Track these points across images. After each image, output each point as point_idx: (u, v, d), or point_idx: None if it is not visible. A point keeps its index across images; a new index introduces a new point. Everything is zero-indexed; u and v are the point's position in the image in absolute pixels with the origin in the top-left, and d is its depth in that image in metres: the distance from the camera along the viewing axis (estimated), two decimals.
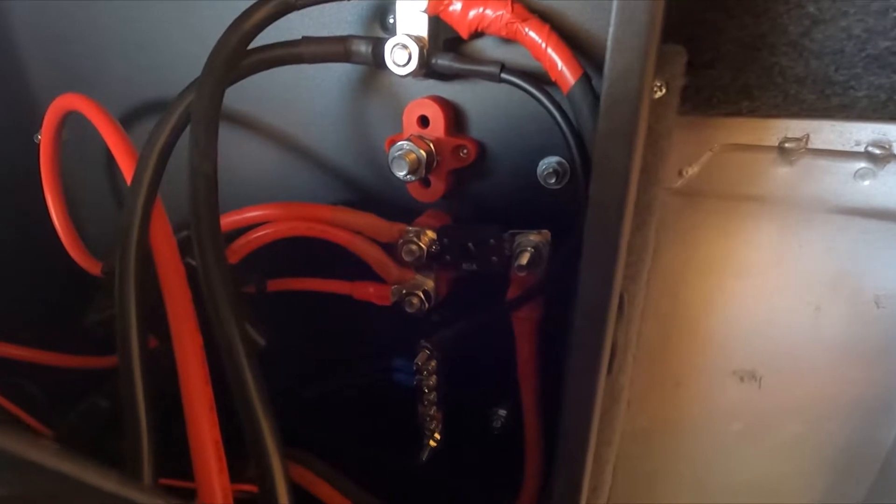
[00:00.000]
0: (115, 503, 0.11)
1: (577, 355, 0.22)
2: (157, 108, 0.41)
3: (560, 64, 0.25)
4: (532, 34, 0.25)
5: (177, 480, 0.27)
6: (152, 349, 0.28)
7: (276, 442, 0.22)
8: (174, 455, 0.26)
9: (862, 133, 0.30)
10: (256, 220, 0.34)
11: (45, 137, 0.38)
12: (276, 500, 0.22)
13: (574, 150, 0.27)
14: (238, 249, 0.35)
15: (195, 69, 0.32)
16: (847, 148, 0.31)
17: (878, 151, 0.30)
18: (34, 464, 0.12)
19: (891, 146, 0.30)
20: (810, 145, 0.32)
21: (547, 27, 0.25)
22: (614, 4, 0.17)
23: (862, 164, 0.31)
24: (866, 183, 0.31)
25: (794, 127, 0.32)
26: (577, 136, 0.26)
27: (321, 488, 0.39)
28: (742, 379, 0.38)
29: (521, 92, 0.28)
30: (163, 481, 0.25)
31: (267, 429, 0.22)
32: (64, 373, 0.41)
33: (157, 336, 0.31)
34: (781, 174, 0.33)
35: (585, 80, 0.25)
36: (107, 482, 0.13)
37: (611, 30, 0.17)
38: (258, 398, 0.22)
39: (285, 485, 0.22)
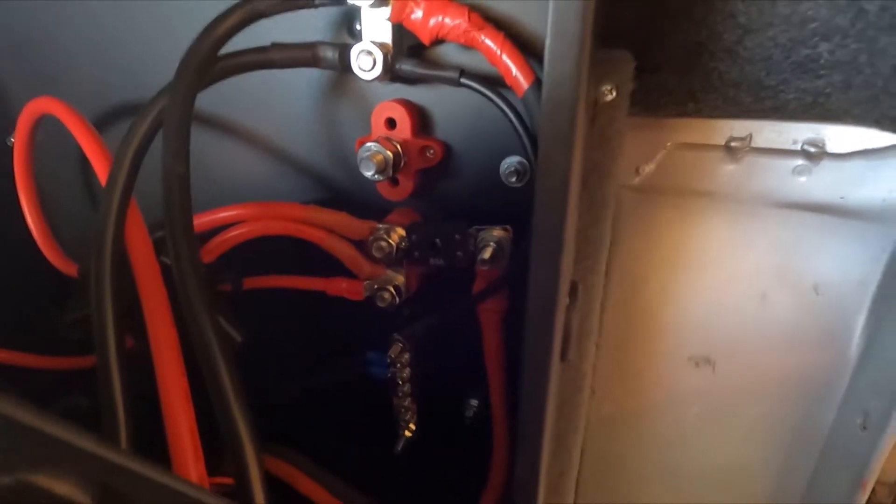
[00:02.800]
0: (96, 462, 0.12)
1: (531, 342, 0.24)
2: (128, 108, 0.42)
3: (514, 70, 0.27)
4: (488, 42, 0.27)
5: None
6: (129, 349, 0.29)
7: (251, 435, 0.23)
8: (152, 455, 0.27)
9: (799, 132, 0.33)
10: (231, 220, 0.35)
11: (18, 141, 0.38)
12: (252, 493, 0.23)
13: (529, 151, 0.28)
14: (213, 248, 0.36)
15: (166, 69, 0.33)
16: (786, 146, 0.33)
17: (812, 149, 0.32)
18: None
19: (824, 144, 0.32)
20: (753, 144, 0.34)
21: (501, 35, 0.27)
22: (549, 17, 0.18)
23: (799, 162, 0.34)
24: (803, 179, 0.34)
25: (739, 127, 0.34)
26: (532, 137, 0.28)
27: (300, 481, 0.40)
28: (697, 364, 0.40)
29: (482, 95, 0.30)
30: None
31: (242, 422, 0.23)
32: (42, 373, 0.42)
33: (133, 336, 0.32)
34: (728, 171, 0.35)
35: (538, 84, 0.27)
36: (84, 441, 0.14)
37: (547, 41, 0.19)
38: (233, 393, 0.23)
39: (260, 478, 0.23)
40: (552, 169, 0.20)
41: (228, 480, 0.32)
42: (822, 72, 0.25)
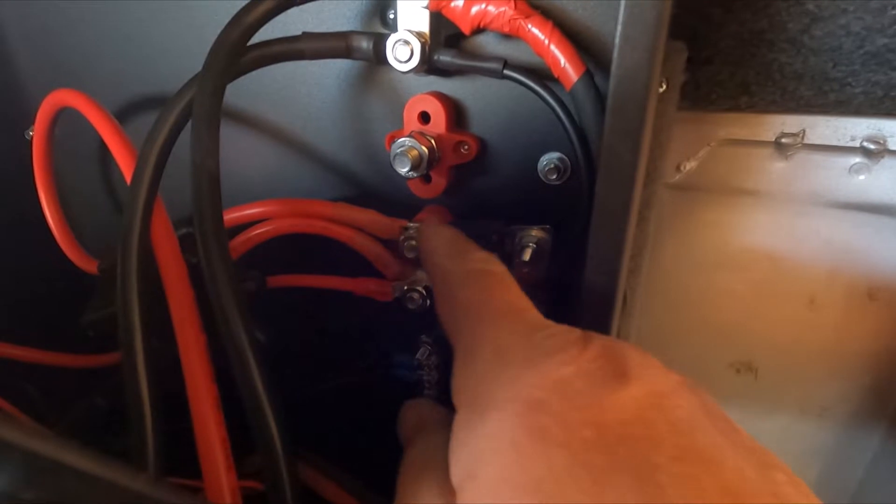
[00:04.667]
0: (130, 498, 0.11)
1: None
2: (149, 102, 0.40)
3: (563, 61, 0.25)
4: (535, 31, 0.25)
5: (182, 479, 0.27)
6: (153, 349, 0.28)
7: (284, 441, 0.22)
8: (178, 453, 0.26)
9: (857, 128, 0.31)
10: (256, 217, 0.34)
11: (37, 134, 0.37)
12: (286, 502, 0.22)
13: (577, 147, 0.27)
14: (237, 247, 0.35)
15: (189, 62, 0.31)
16: (842, 143, 0.32)
17: (872, 146, 0.31)
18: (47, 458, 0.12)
19: (885, 141, 0.30)
20: (806, 140, 0.32)
21: (550, 24, 0.25)
22: (622, 2, 0.17)
23: (857, 159, 0.32)
24: (861, 177, 0.32)
25: (791, 122, 0.32)
26: (580, 132, 0.27)
27: (323, 484, 0.39)
28: (738, 371, 0.38)
29: (521, 88, 0.28)
30: (169, 479, 0.25)
31: (276, 428, 0.22)
32: (60, 372, 0.41)
33: (156, 335, 0.31)
34: (777, 169, 0.34)
35: (588, 76, 0.25)
36: (126, 479, 0.13)
37: (619, 27, 0.17)
38: (267, 398, 0.22)
39: (294, 487, 0.22)
40: (617, 168, 0.19)
41: (255, 484, 0.31)
42: None
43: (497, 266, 0.24)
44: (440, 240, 0.27)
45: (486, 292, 0.22)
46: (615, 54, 0.17)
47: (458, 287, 0.23)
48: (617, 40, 0.17)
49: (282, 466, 0.22)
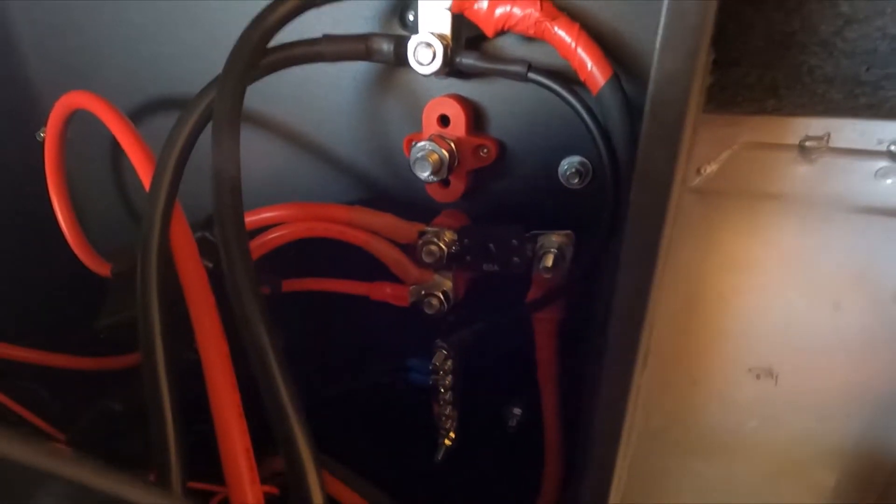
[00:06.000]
0: None
1: (611, 359, 0.22)
2: (159, 103, 0.40)
3: (590, 64, 0.25)
4: (561, 33, 0.25)
5: (205, 484, 0.26)
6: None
7: (309, 446, 0.22)
8: (200, 458, 0.25)
9: (884, 132, 0.30)
10: (273, 221, 0.34)
11: (50, 135, 0.37)
12: None
13: (602, 152, 0.26)
14: (253, 250, 0.35)
15: (198, 64, 0.30)
16: (869, 147, 0.31)
17: None
18: (53, 475, 0.12)
19: None
20: (831, 144, 0.32)
21: (577, 26, 0.25)
22: (664, 4, 0.16)
23: (883, 163, 0.31)
24: (888, 181, 0.31)
25: (816, 125, 0.31)
26: (606, 137, 0.26)
27: (338, 489, 0.39)
28: (758, 376, 0.38)
29: (542, 90, 0.28)
30: (191, 485, 0.25)
31: (300, 433, 0.21)
32: (73, 375, 0.41)
33: (176, 340, 0.31)
34: (801, 173, 0.33)
35: (615, 80, 0.25)
36: (135, 493, 0.13)
37: (660, 31, 0.17)
38: (291, 403, 0.21)
39: (321, 492, 0.21)
40: (653, 173, 0.18)
41: (271, 489, 0.31)
42: None
43: None
44: None
45: None
46: (655, 59, 0.17)
47: None
48: (657, 44, 0.17)
49: (308, 474, 0.22)
